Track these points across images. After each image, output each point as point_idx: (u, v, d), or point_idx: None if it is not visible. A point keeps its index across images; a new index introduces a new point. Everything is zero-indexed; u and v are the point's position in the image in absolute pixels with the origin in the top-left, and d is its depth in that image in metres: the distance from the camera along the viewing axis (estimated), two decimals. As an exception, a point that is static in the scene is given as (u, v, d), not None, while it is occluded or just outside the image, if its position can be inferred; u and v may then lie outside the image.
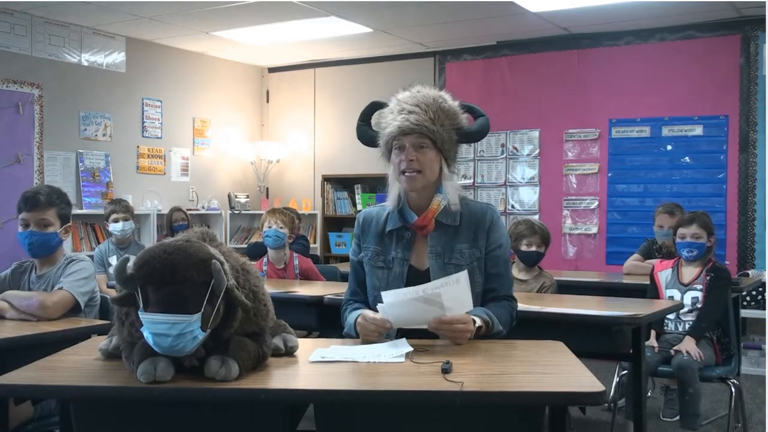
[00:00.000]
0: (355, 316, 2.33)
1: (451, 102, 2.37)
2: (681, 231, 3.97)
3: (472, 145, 6.95)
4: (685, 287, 3.92)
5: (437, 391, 1.74)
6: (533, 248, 4.00)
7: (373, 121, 2.46)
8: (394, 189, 2.39)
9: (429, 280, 2.30)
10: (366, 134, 2.45)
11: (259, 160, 8.00)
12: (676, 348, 3.72)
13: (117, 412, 1.90)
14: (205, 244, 1.87)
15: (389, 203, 2.41)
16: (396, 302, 2.16)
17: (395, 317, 2.18)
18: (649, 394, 4.67)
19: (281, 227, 4.51)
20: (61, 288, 2.98)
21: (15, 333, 2.66)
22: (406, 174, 2.30)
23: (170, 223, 6.22)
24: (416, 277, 2.35)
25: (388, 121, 2.35)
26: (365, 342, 2.22)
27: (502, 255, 2.41)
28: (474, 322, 2.20)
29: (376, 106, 2.47)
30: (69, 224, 3.17)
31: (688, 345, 3.69)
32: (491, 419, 1.83)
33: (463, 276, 2.16)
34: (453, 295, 2.14)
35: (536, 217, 6.48)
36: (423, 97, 2.33)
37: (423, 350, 2.08)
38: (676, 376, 3.69)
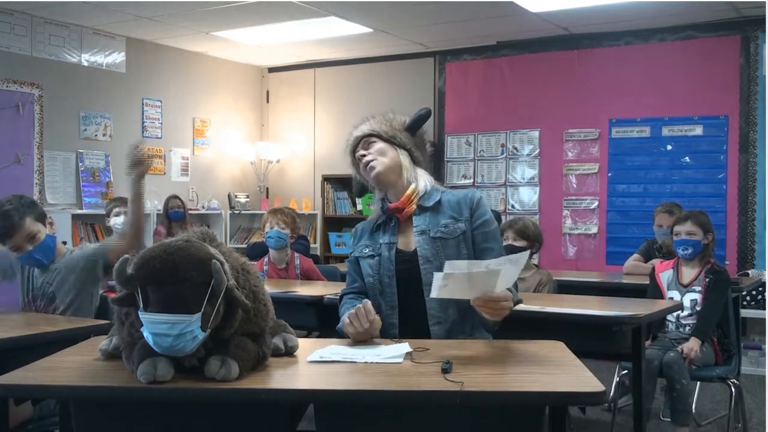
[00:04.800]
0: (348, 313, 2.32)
1: (397, 115, 2.59)
2: (676, 228, 3.98)
3: (472, 145, 6.97)
4: (685, 288, 3.92)
5: (437, 391, 1.74)
6: (509, 241, 4.00)
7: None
8: (376, 205, 2.56)
9: (417, 260, 2.39)
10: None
11: (259, 160, 8.01)
12: (682, 347, 3.71)
13: (117, 412, 1.90)
14: (205, 244, 1.87)
15: (374, 213, 2.57)
16: (455, 273, 2.07)
17: (448, 286, 2.09)
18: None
19: (283, 228, 4.50)
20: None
21: (15, 333, 2.66)
22: (366, 165, 2.47)
23: (166, 210, 6.45)
24: (404, 259, 2.43)
25: (350, 149, 2.56)
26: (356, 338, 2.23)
27: (491, 230, 2.48)
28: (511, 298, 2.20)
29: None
30: (48, 218, 3.16)
31: (692, 345, 3.69)
32: (491, 419, 1.83)
33: (522, 257, 2.13)
34: (508, 273, 2.11)
35: (536, 217, 6.49)
36: (368, 115, 2.59)
37: (423, 350, 2.08)
38: (664, 373, 3.67)
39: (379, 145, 2.49)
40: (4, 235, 3.01)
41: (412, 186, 2.48)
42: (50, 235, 3.11)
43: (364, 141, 2.51)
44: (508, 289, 2.24)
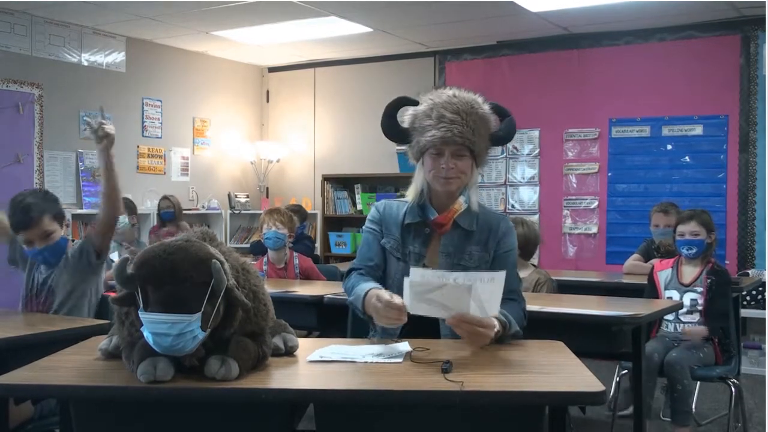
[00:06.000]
0: (367, 288, 2.25)
1: (485, 107, 2.38)
2: (680, 228, 3.98)
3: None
4: (685, 288, 3.91)
5: (437, 391, 1.74)
6: None
7: (399, 117, 2.43)
8: (417, 183, 2.41)
9: None
10: (393, 129, 2.42)
11: (259, 159, 8.01)
12: (685, 331, 3.76)
13: (117, 412, 1.90)
14: (205, 244, 1.87)
15: (409, 196, 2.42)
16: (423, 282, 2.00)
17: (416, 300, 2.03)
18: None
19: (280, 228, 4.49)
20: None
21: (15, 333, 2.66)
22: (445, 179, 2.32)
23: (159, 211, 6.53)
24: None
25: (425, 126, 2.33)
26: (381, 323, 2.16)
27: (511, 257, 2.43)
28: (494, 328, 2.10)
29: (403, 101, 2.45)
30: (65, 219, 3.16)
31: (698, 330, 3.73)
32: (491, 419, 1.83)
33: (499, 276, 2.03)
34: (484, 292, 2.01)
35: (536, 217, 6.49)
36: (461, 104, 2.31)
37: (423, 350, 2.08)
38: (665, 374, 3.67)
39: (468, 161, 2.35)
40: (19, 227, 3.01)
41: (461, 200, 2.39)
42: (64, 237, 3.10)
43: (457, 146, 2.31)
44: (505, 318, 2.17)
